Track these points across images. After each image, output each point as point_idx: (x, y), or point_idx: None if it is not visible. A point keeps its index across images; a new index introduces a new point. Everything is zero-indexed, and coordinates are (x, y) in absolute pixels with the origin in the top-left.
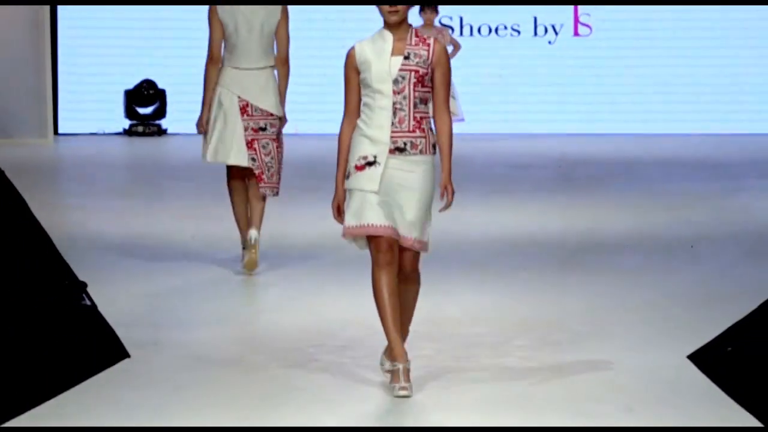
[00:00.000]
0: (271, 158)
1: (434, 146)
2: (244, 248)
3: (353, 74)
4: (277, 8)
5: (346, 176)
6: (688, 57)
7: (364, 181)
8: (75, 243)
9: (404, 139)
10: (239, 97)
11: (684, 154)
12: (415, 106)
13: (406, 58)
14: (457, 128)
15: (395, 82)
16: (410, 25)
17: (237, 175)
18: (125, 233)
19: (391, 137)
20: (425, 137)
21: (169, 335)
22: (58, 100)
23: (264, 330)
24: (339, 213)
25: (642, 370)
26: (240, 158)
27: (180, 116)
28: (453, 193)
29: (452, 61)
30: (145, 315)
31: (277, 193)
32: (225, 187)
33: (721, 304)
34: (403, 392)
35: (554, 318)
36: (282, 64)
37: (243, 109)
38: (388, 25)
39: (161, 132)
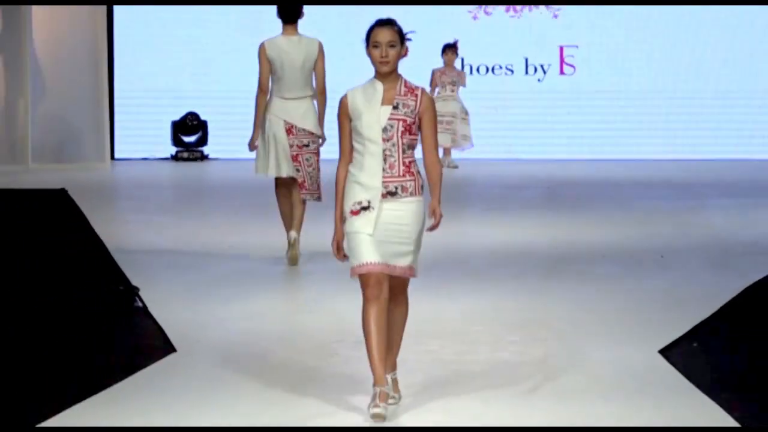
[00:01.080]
0: (313, 169)
1: (422, 187)
2: (289, 231)
3: (346, 121)
4: (316, 47)
5: (343, 221)
6: (659, 92)
7: (360, 224)
8: (129, 253)
9: (395, 184)
10: (285, 120)
11: (655, 177)
12: (403, 152)
13: (395, 107)
14: (463, 153)
15: (384, 130)
16: (400, 75)
17: (283, 185)
18: (172, 244)
19: (383, 182)
20: (414, 180)
21: (209, 332)
22: (114, 129)
23: (290, 327)
24: (338, 250)
25: (618, 362)
26: (288, 171)
27: (220, 144)
28: (441, 216)
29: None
30: (189, 315)
31: (319, 198)
32: (259, 204)
33: (687, 306)
34: (376, 410)
35: (541, 318)
36: (320, 93)
37: (288, 131)
38: (379, 75)
39: (203, 157)
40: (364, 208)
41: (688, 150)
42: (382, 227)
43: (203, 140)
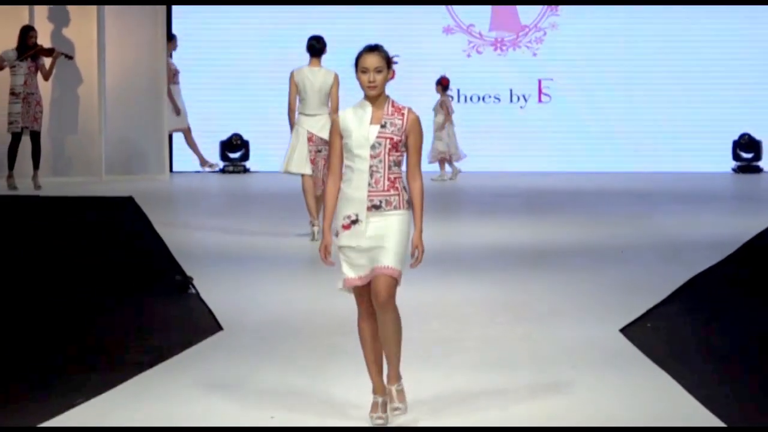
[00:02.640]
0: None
1: (408, 202)
2: (313, 226)
3: (337, 139)
4: (332, 77)
5: (335, 234)
6: (620, 116)
7: (352, 238)
8: (185, 249)
9: (380, 198)
10: (308, 131)
11: (616, 187)
12: (389, 168)
13: (383, 126)
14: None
15: (372, 147)
16: (387, 96)
17: (307, 180)
18: (220, 242)
19: (368, 196)
20: (399, 195)
21: (250, 314)
22: (172, 146)
23: (317, 309)
24: (325, 256)
25: (586, 339)
26: (306, 169)
27: (259, 159)
28: (423, 251)
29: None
30: (234, 300)
31: None
32: (290, 209)
33: (643, 292)
34: (379, 421)
35: (524, 302)
36: (333, 112)
37: (309, 138)
38: (367, 97)
39: (245, 171)
40: (354, 222)
41: (645, 164)
42: (369, 238)
43: (246, 156)
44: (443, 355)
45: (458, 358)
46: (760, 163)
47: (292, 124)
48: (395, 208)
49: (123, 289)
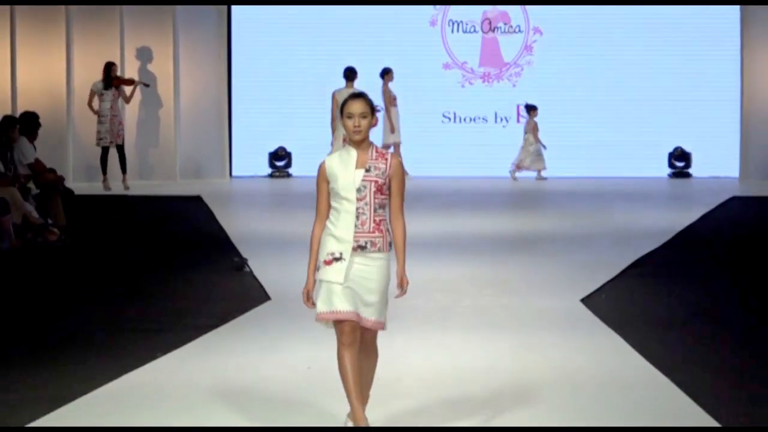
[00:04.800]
0: None
1: (390, 244)
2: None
3: (324, 183)
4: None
5: (317, 269)
6: (584, 129)
7: (332, 274)
8: (242, 236)
9: (365, 239)
10: (344, 137)
11: (577, 188)
12: (375, 210)
13: (368, 170)
14: (452, 171)
15: (358, 190)
16: (371, 142)
17: None
18: (269, 231)
19: (354, 237)
20: (383, 237)
21: (293, 287)
22: (232, 155)
23: None
24: (308, 299)
25: (555, 307)
26: None
27: (301, 167)
28: (407, 284)
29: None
30: (280, 276)
31: None
32: None
33: (599, 269)
34: None
35: (506, 279)
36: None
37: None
38: (352, 142)
39: (289, 176)
40: (336, 259)
41: (600, 170)
42: (351, 278)
43: (289, 164)
44: (442, 320)
45: (454, 321)
46: (690, 171)
47: (333, 129)
48: (379, 250)
49: (193, 267)
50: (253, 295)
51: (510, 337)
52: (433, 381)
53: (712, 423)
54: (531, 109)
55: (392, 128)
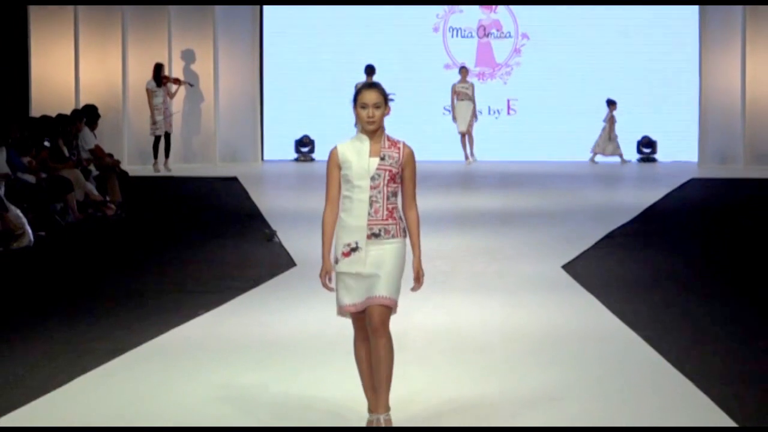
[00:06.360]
0: None
1: (404, 230)
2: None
3: (335, 170)
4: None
5: (335, 261)
6: (566, 119)
7: (352, 265)
8: (272, 211)
9: (379, 227)
10: None
11: (559, 170)
12: (387, 198)
13: (382, 159)
14: (450, 156)
15: (372, 178)
16: (384, 131)
17: None
18: (295, 207)
19: (368, 225)
20: (396, 224)
21: (315, 255)
22: (264, 141)
23: None
24: (328, 280)
25: (539, 273)
26: None
27: (323, 152)
28: (423, 275)
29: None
30: (304, 245)
31: None
32: None
33: (577, 239)
34: None
35: (497, 248)
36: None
37: None
38: (365, 131)
39: (312, 160)
40: (353, 249)
41: (579, 155)
42: (367, 267)
43: (312, 150)
44: (443, 283)
45: (453, 284)
46: (656, 156)
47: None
48: (393, 236)
49: (230, 238)
50: (281, 261)
51: (500, 298)
52: (435, 335)
53: (675, 372)
54: (611, 103)
55: (455, 117)
